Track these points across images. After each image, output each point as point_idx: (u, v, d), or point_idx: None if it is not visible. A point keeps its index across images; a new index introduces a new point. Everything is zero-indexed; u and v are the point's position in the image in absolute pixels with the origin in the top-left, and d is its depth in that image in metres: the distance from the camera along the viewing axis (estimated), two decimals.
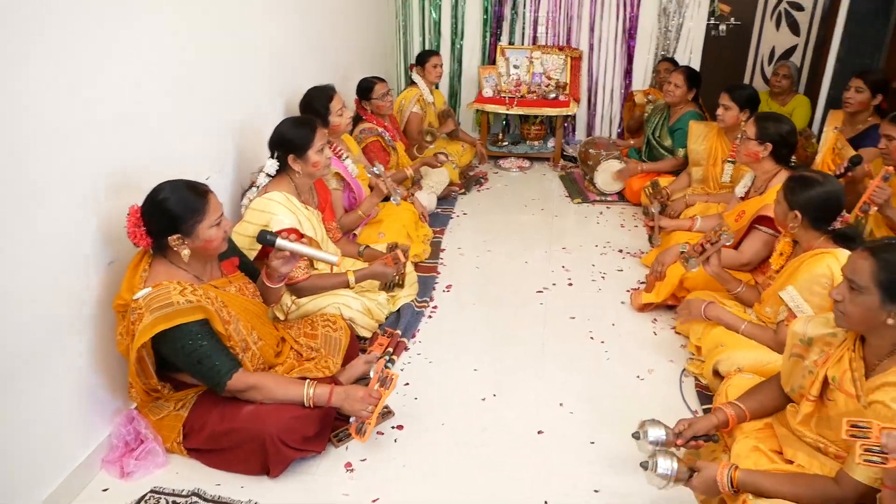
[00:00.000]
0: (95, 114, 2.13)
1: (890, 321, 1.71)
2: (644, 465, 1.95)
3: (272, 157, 2.80)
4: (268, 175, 2.78)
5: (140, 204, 2.12)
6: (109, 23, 2.18)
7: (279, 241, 2.28)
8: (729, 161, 3.88)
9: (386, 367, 2.79)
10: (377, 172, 3.63)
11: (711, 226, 3.42)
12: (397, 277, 3.01)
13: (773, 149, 3.07)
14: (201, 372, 2.14)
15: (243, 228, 2.69)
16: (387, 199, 3.64)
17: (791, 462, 1.92)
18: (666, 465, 1.92)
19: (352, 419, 2.32)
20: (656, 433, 2.09)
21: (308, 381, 2.28)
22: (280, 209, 2.67)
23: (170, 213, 2.07)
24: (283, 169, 2.79)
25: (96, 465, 2.26)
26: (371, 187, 3.65)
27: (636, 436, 2.13)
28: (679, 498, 2.12)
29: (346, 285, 2.87)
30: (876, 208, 2.96)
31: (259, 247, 2.63)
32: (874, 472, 1.64)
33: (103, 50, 2.16)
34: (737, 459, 1.97)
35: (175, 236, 2.09)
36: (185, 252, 2.11)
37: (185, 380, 2.29)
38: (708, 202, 3.89)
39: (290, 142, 2.75)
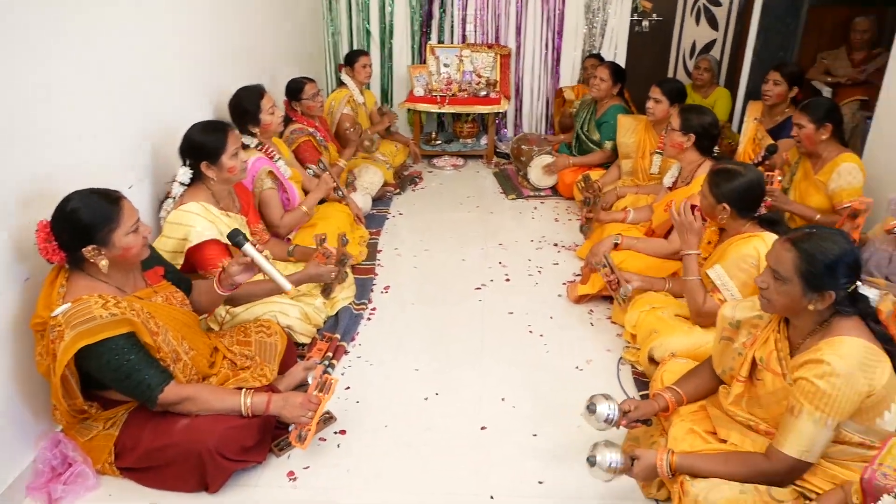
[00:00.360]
0: (1, 123, 2.02)
1: (811, 307, 1.78)
2: (591, 461, 1.97)
3: (184, 164, 2.67)
4: (181, 184, 2.65)
5: (49, 218, 2.01)
6: (19, 29, 2.08)
7: (247, 246, 2.22)
8: (657, 153, 3.98)
9: (326, 372, 2.76)
10: (322, 168, 3.61)
11: (643, 218, 3.51)
12: (335, 276, 2.95)
13: (696, 139, 3.17)
14: (130, 387, 2.05)
15: (162, 244, 2.57)
16: (323, 201, 3.62)
17: (725, 441, 2.00)
18: (613, 458, 1.95)
19: (291, 427, 2.28)
20: (608, 408, 2.11)
21: (245, 390, 2.23)
22: (198, 220, 2.56)
23: (81, 224, 1.96)
24: (198, 177, 2.67)
25: (20, 493, 2.13)
26: (306, 191, 3.61)
27: (591, 409, 2.12)
28: (620, 486, 2.16)
29: (282, 291, 2.82)
30: (769, 203, 3.11)
31: (181, 261, 2.56)
32: (803, 445, 1.71)
33: (11, 54, 2.05)
34: (674, 442, 2.03)
35: (90, 247, 1.98)
36: (104, 263, 2.01)
37: (113, 397, 2.19)
38: (638, 193, 3.98)
39: (201, 148, 2.63)
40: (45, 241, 1.97)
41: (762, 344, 1.96)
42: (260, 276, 2.80)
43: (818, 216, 3.16)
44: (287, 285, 2.33)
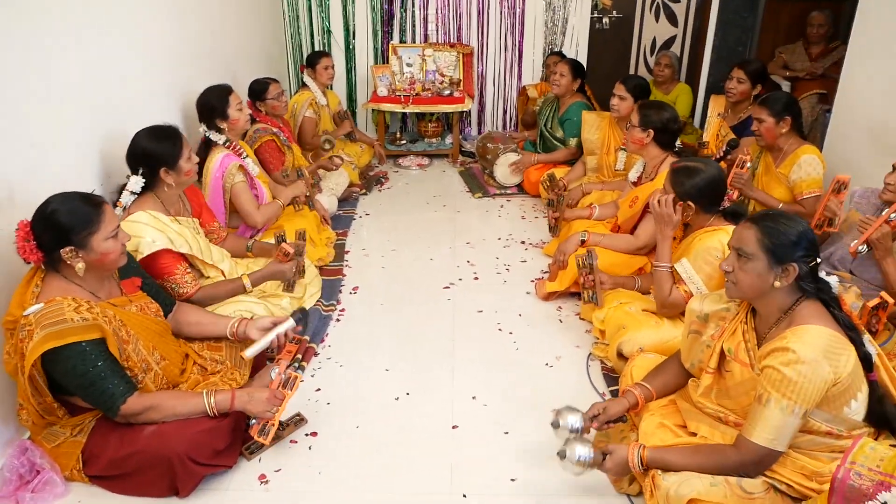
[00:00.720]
0: None
1: (777, 283, 1.82)
2: (561, 455, 1.99)
3: (135, 173, 2.60)
4: (132, 193, 2.59)
5: (28, 219, 2.00)
6: None
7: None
8: (622, 149, 4.02)
9: (296, 372, 2.74)
10: (299, 175, 3.75)
11: (609, 214, 3.54)
12: (295, 274, 2.94)
13: (655, 135, 3.21)
14: (93, 395, 2.03)
15: None
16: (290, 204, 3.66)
17: (695, 434, 2.02)
18: (582, 452, 1.96)
19: (253, 421, 2.27)
20: (573, 420, 2.13)
21: (206, 391, 2.21)
22: (147, 230, 2.53)
23: (60, 225, 1.97)
24: (147, 185, 2.62)
25: None
26: (273, 196, 3.59)
27: (554, 424, 2.16)
28: (592, 481, 2.18)
29: (243, 290, 2.80)
30: (736, 192, 3.17)
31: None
32: (771, 433, 1.74)
33: None
34: (644, 437, 2.06)
35: (67, 249, 1.98)
36: (80, 266, 2.01)
37: (80, 403, 2.16)
38: (603, 190, 4.01)
39: (158, 155, 2.59)
40: (23, 239, 1.97)
41: (730, 335, 1.99)
42: (213, 279, 2.79)
43: (781, 205, 3.23)
44: (290, 323, 2.47)
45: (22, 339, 1.94)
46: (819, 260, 1.84)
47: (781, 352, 1.74)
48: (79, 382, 2.00)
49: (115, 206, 2.61)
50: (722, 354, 2.00)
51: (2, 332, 2.10)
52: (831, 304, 1.83)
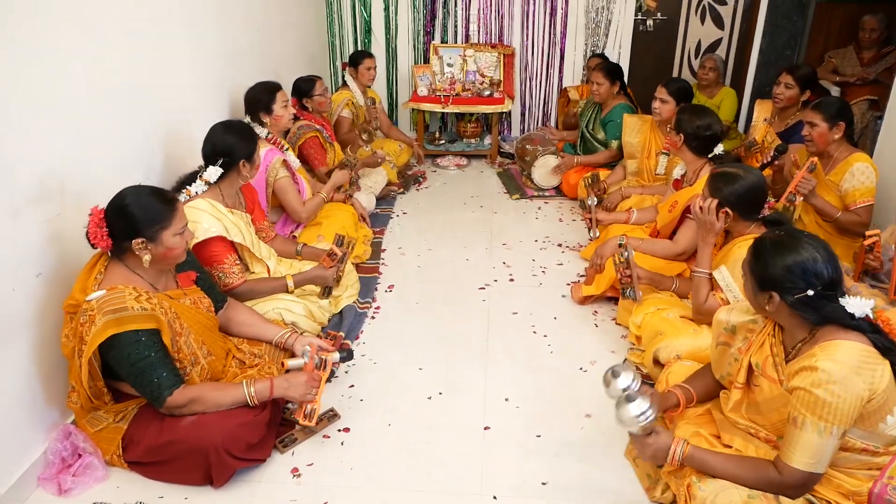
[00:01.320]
0: (7, 124, 2.03)
1: (768, 308, 1.77)
2: (630, 397, 1.84)
3: (214, 164, 2.68)
4: (208, 183, 2.69)
5: (100, 207, 2.08)
6: (19, 29, 2.08)
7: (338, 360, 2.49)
8: (663, 153, 3.96)
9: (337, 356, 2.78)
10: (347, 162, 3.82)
11: (648, 218, 3.50)
12: (334, 281, 2.98)
13: (686, 139, 3.17)
14: (142, 383, 2.09)
15: None
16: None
17: (729, 447, 1.97)
18: (649, 410, 1.82)
19: (288, 405, 2.34)
20: (626, 380, 1.94)
21: (245, 381, 2.25)
22: (205, 217, 2.61)
23: (136, 218, 2.06)
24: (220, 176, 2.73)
25: (32, 483, 2.17)
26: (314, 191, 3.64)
27: (613, 376, 1.97)
28: (626, 490, 2.15)
29: (285, 290, 2.84)
30: (801, 198, 3.08)
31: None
32: (812, 457, 1.67)
33: (14, 55, 2.07)
34: None
35: (139, 240, 2.06)
36: (147, 258, 2.09)
37: (125, 390, 2.22)
38: (643, 194, 3.97)
39: (240, 148, 2.72)
40: (96, 226, 2.05)
41: (758, 349, 1.93)
42: (258, 275, 2.84)
43: (839, 213, 3.14)
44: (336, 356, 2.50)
45: (83, 323, 2.01)
46: (812, 291, 1.71)
47: (810, 371, 1.66)
48: (131, 370, 2.06)
49: (181, 192, 2.68)
50: (750, 369, 1.94)
51: (60, 316, 2.16)
52: (867, 330, 1.71)
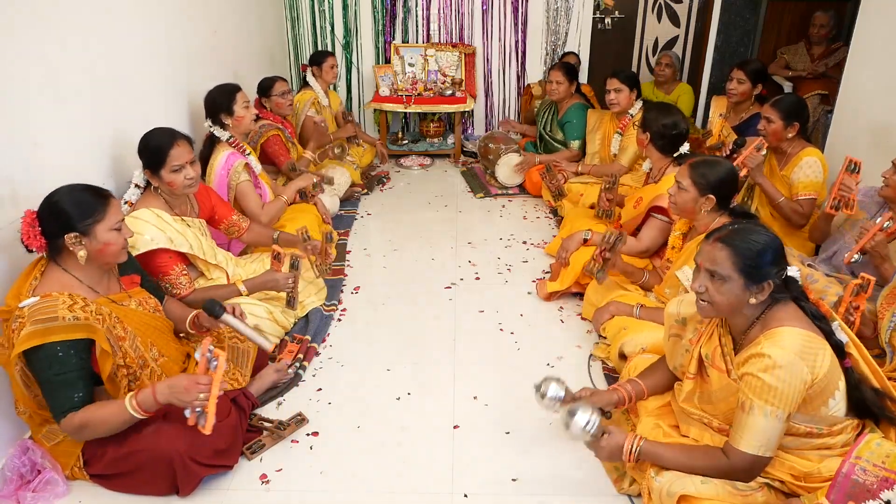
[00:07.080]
0: None
1: (752, 300, 1.81)
2: (571, 413, 1.92)
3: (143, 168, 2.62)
4: (136, 186, 2.62)
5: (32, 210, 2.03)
6: None
7: (224, 316, 2.32)
8: (616, 133, 4.07)
9: (298, 372, 2.74)
10: (291, 167, 3.77)
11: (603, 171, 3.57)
12: (294, 289, 2.89)
13: (652, 138, 3.21)
14: (48, 399, 1.97)
15: None
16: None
17: (686, 437, 2.02)
18: (591, 419, 1.90)
19: (187, 412, 2.02)
20: (555, 391, 2.14)
21: (129, 395, 2.01)
22: (147, 228, 2.53)
23: (66, 212, 1.99)
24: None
25: None
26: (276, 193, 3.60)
27: (539, 390, 2.16)
28: (594, 482, 2.18)
29: (238, 295, 2.78)
30: (746, 171, 3.15)
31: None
32: (759, 440, 1.74)
33: None
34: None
35: (72, 234, 2.00)
36: (82, 253, 2.02)
37: None
38: (599, 167, 4.27)
39: (150, 155, 2.58)
40: (28, 225, 1.99)
41: (707, 340, 1.99)
42: (217, 281, 2.79)
43: (782, 198, 3.22)
44: (267, 345, 2.40)
45: (13, 329, 1.94)
46: (787, 268, 1.82)
47: (758, 358, 1.73)
48: (44, 378, 1.96)
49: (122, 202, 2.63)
50: (700, 360, 1.99)
51: None
52: (800, 297, 1.83)
